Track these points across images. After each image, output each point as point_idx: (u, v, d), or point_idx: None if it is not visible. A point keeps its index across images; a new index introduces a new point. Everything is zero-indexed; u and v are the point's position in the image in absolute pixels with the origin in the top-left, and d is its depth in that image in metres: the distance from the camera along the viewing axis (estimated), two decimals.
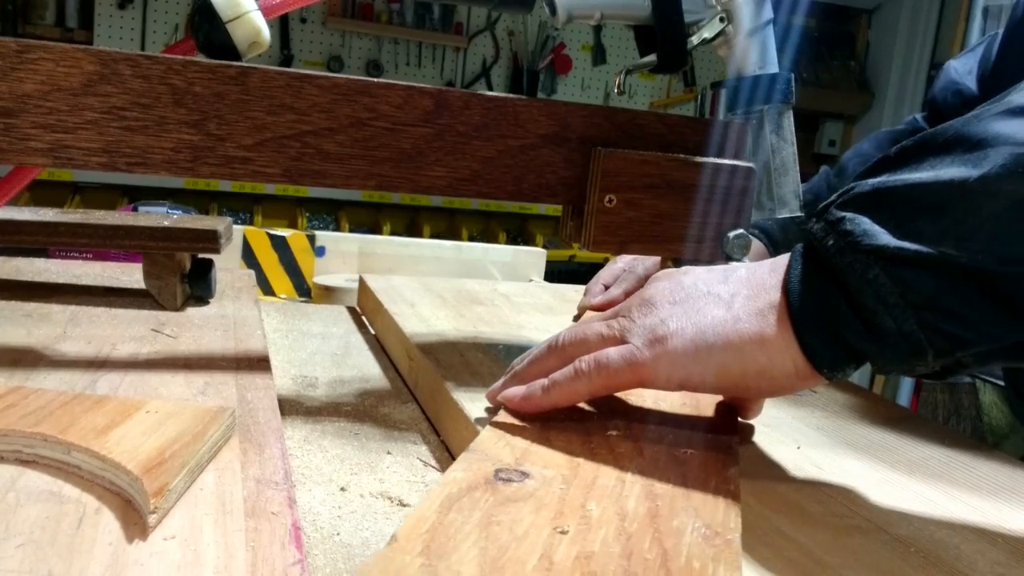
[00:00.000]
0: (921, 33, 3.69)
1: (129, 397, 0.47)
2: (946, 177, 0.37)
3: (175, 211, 0.99)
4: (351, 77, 0.50)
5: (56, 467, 0.38)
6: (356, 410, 0.56)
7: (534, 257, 1.24)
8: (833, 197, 0.41)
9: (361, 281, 0.87)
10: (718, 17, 0.60)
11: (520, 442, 0.41)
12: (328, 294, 1.04)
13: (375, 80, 0.51)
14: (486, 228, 3.48)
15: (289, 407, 0.54)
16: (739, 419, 0.50)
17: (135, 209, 1.04)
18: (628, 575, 0.29)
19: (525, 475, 0.36)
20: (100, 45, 2.93)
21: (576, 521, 0.33)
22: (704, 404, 0.50)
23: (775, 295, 0.41)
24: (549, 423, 0.44)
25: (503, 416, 0.44)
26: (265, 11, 0.52)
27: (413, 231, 3.34)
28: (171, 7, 3.26)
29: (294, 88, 0.49)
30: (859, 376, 3.22)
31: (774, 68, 0.61)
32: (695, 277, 0.45)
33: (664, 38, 0.60)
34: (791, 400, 0.61)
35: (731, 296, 0.42)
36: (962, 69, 0.82)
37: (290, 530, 0.34)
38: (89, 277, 0.78)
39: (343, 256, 1.18)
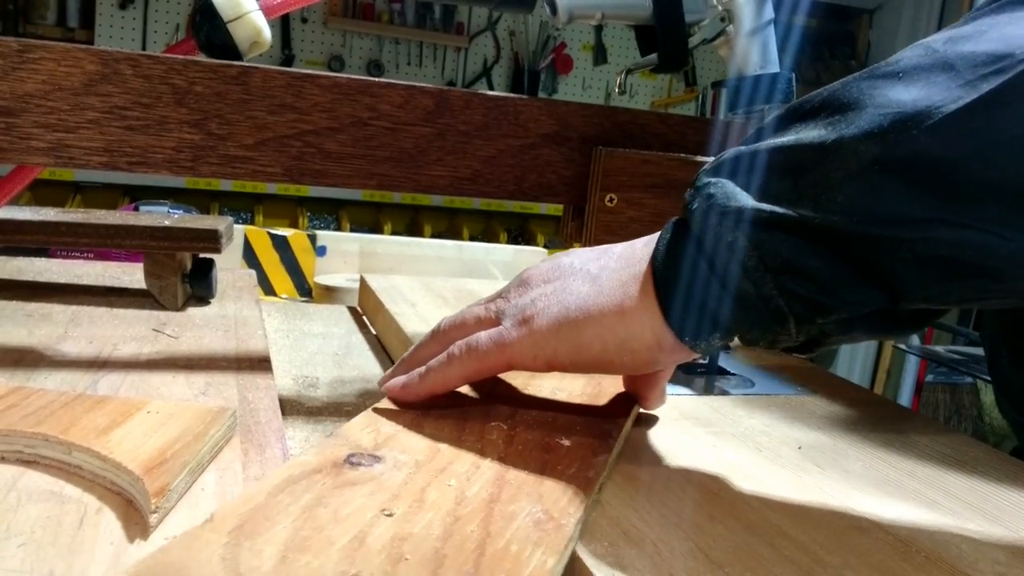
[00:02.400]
0: (922, 33, 3.68)
1: (130, 397, 0.47)
2: (806, 140, 0.37)
3: (176, 211, 0.99)
4: (352, 77, 0.50)
5: (57, 467, 0.38)
6: (357, 410, 0.56)
7: (535, 257, 1.24)
8: (706, 165, 0.42)
9: (362, 281, 0.87)
10: (719, 17, 0.60)
11: (389, 428, 0.40)
12: (329, 294, 1.04)
13: (376, 80, 0.51)
14: (487, 228, 3.48)
15: (290, 407, 0.54)
16: (640, 409, 0.50)
17: (136, 209, 1.04)
18: (438, 556, 0.29)
19: (377, 459, 0.36)
20: (101, 45, 2.94)
21: (407, 505, 0.32)
22: (605, 393, 0.50)
23: (642, 266, 0.41)
24: (431, 410, 0.43)
25: (385, 402, 0.44)
26: (266, 11, 0.52)
27: (414, 231, 3.34)
28: (172, 7, 3.26)
29: (295, 88, 0.49)
30: (860, 376, 3.22)
31: (775, 68, 0.61)
32: (573, 256, 0.45)
33: (665, 38, 0.60)
34: (791, 401, 0.62)
35: (599, 271, 0.42)
36: None
37: None
38: (90, 277, 0.78)
39: (344, 256, 1.18)
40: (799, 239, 0.36)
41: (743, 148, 0.39)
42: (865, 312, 0.37)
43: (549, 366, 0.43)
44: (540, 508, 0.34)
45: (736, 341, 0.40)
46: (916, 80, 0.35)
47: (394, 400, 0.44)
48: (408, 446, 0.38)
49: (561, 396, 0.49)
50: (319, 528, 0.29)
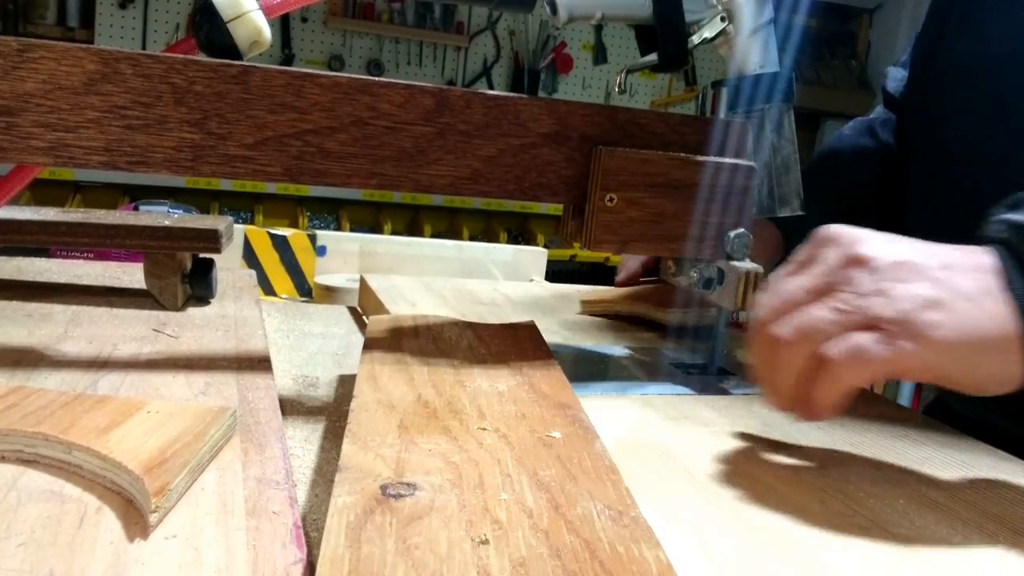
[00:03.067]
0: None
1: (130, 397, 0.47)
2: None
3: (176, 210, 0.99)
4: (352, 76, 0.50)
5: (57, 467, 0.38)
6: None
7: (535, 256, 1.24)
8: None
9: (362, 281, 0.87)
10: (719, 16, 0.60)
11: (388, 451, 0.39)
12: (329, 294, 1.04)
13: (376, 79, 0.51)
14: (487, 227, 3.48)
15: (290, 407, 0.54)
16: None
17: (136, 208, 1.04)
18: (568, 573, 0.29)
19: (412, 487, 0.35)
20: (101, 44, 2.93)
21: (490, 527, 0.32)
22: (533, 381, 0.50)
23: (1001, 302, 0.42)
24: (407, 421, 0.42)
25: (355, 421, 0.42)
26: (266, 10, 0.52)
27: (414, 230, 3.34)
28: (172, 6, 3.26)
29: (295, 87, 0.49)
30: None
31: (775, 67, 0.61)
32: (909, 251, 0.44)
33: (665, 37, 0.60)
34: None
35: (972, 290, 0.42)
36: (898, 73, 0.86)
37: (291, 529, 0.34)
38: (90, 277, 0.78)
39: (344, 256, 1.18)
40: None
41: None
42: None
43: (934, 380, 0.43)
44: (601, 504, 0.34)
45: None
46: None
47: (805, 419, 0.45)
48: (425, 466, 0.37)
49: (501, 386, 0.48)
50: (436, 573, 0.29)
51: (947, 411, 0.71)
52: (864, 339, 0.41)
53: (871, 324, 0.41)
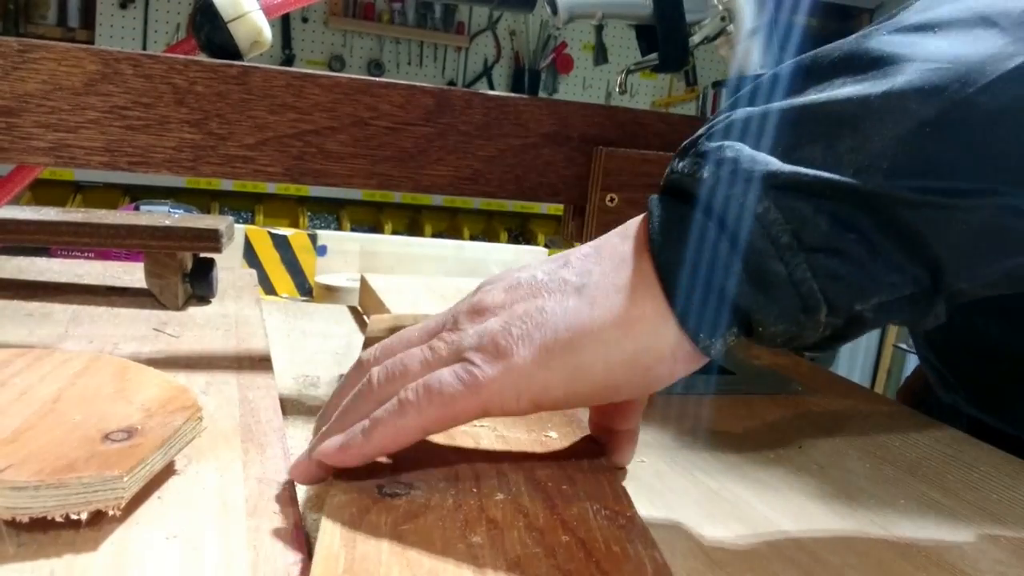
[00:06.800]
0: None
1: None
2: (842, 96, 0.32)
3: (176, 210, 0.99)
4: (353, 76, 0.50)
5: None
6: None
7: (535, 256, 1.24)
8: (698, 133, 0.36)
9: (363, 280, 0.88)
10: (719, 16, 0.60)
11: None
12: (330, 293, 1.04)
13: (377, 79, 0.51)
14: (487, 227, 3.49)
15: (291, 406, 0.54)
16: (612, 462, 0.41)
17: (137, 208, 1.04)
18: (564, 572, 0.29)
19: (409, 486, 0.35)
20: (102, 45, 2.93)
21: (485, 527, 0.32)
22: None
23: (633, 262, 0.34)
24: None
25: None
26: (267, 11, 0.52)
27: (415, 230, 3.34)
28: (172, 6, 3.27)
29: (296, 87, 0.49)
30: (860, 376, 3.22)
31: (776, 67, 0.61)
32: (532, 270, 0.36)
33: (665, 37, 0.60)
34: (791, 401, 0.62)
35: (580, 279, 0.35)
36: None
37: (292, 529, 0.34)
38: (91, 276, 0.78)
39: (345, 255, 1.18)
40: (842, 210, 0.31)
41: (753, 109, 0.34)
42: (903, 295, 0.32)
43: (536, 406, 0.35)
44: (597, 504, 0.34)
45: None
46: (956, 35, 0.31)
47: (334, 465, 0.35)
48: (422, 465, 0.37)
49: None
50: (432, 572, 0.29)
51: (925, 403, 0.71)
52: (443, 372, 0.34)
53: (457, 358, 0.35)
